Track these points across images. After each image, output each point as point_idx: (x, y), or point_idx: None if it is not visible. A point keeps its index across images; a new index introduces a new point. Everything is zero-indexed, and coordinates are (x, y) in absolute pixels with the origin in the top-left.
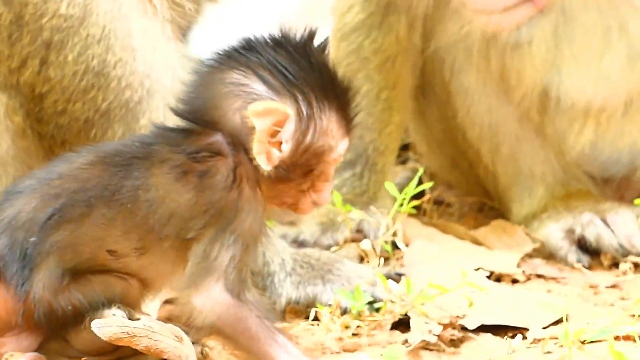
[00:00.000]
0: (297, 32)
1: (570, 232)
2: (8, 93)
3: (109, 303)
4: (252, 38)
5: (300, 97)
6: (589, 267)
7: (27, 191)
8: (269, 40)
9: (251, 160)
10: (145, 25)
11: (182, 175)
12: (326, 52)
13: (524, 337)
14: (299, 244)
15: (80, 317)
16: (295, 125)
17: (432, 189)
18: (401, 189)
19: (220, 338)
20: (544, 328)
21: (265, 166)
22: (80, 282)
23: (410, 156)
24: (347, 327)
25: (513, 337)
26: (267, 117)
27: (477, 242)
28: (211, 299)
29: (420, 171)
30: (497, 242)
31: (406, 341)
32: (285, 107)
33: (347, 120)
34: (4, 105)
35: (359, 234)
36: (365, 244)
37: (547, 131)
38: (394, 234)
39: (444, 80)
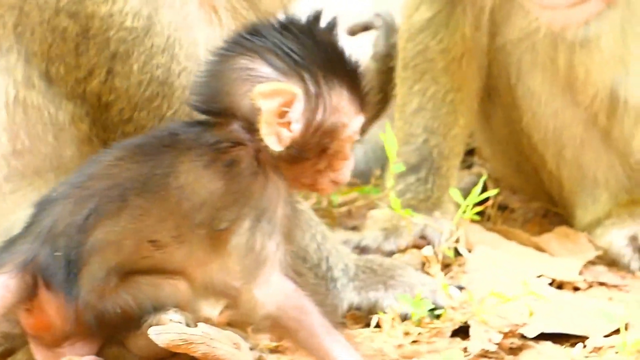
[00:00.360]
0: (304, 15)
1: (633, 238)
2: (74, 102)
3: (158, 306)
4: (258, 23)
5: (307, 76)
6: None
7: (61, 197)
8: (274, 24)
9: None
10: (210, 35)
11: (209, 163)
12: (333, 31)
13: (584, 346)
14: (362, 249)
15: (131, 320)
16: (304, 105)
17: (496, 194)
18: (466, 194)
19: (280, 331)
20: (605, 337)
21: (276, 147)
22: (127, 284)
23: (475, 161)
24: (407, 334)
25: (573, 345)
26: (274, 98)
27: (539, 249)
28: (272, 289)
29: (484, 177)
30: (560, 248)
31: (466, 349)
32: (292, 87)
33: (359, 97)
34: (69, 113)
35: (423, 240)
36: (427, 251)
37: (613, 134)
38: (457, 241)
39: (510, 82)
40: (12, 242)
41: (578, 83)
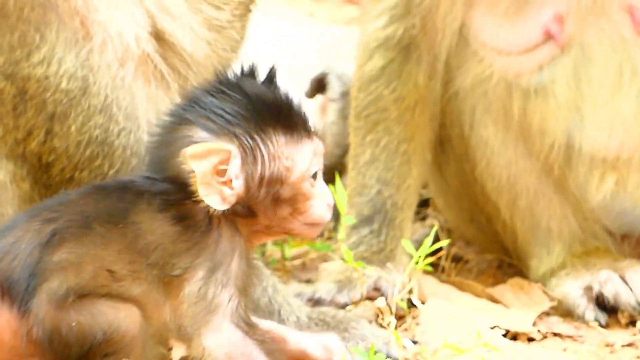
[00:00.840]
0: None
1: (588, 289)
2: (14, 162)
3: (111, 329)
4: (193, 90)
5: (239, 132)
6: (606, 325)
7: (24, 220)
8: (208, 88)
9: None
10: (150, 94)
11: (163, 209)
12: (267, 80)
13: None
14: (315, 302)
15: (84, 342)
16: (240, 160)
17: (449, 245)
18: (419, 245)
19: None
20: None
21: (220, 206)
22: (85, 303)
23: (429, 212)
24: None
25: None
26: (207, 158)
27: (494, 300)
28: (221, 337)
29: (435, 228)
30: (515, 300)
31: None
32: (224, 145)
33: (298, 134)
34: (10, 172)
35: (376, 292)
36: (380, 302)
37: (567, 183)
38: (410, 292)
39: (463, 132)
40: None
41: (532, 131)
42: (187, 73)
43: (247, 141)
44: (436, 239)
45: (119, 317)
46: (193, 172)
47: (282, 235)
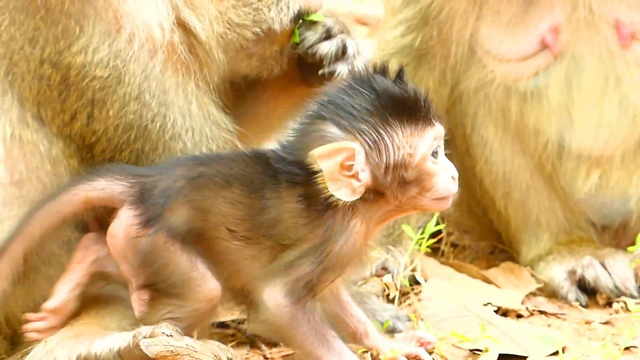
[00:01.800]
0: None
1: (572, 273)
2: (64, 141)
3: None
4: (329, 89)
5: (365, 128)
6: (586, 305)
7: (184, 159)
8: (342, 86)
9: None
10: (178, 81)
11: (290, 187)
12: (397, 77)
13: None
14: None
15: (163, 277)
16: (365, 154)
17: (449, 233)
18: (421, 232)
19: (279, 335)
20: (545, 358)
21: (350, 198)
22: (199, 246)
23: None
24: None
25: None
26: (333, 157)
27: (487, 281)
28: (272, 297)
29: (436, 215)
30: (506, 281)
31: None
32: (348, 143)
33: (419, 123)
34: (61, 149)
35: (384, 271)
36: (387, 278)
37: (557, 178)
38: (414, 271)
39: (465, 132)
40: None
41: (527, 131)
42: (207, 60)
43: (372, 135)
44: (436, 225)
45: (200, 285)
46: (321, 170)
47: (413, 211)
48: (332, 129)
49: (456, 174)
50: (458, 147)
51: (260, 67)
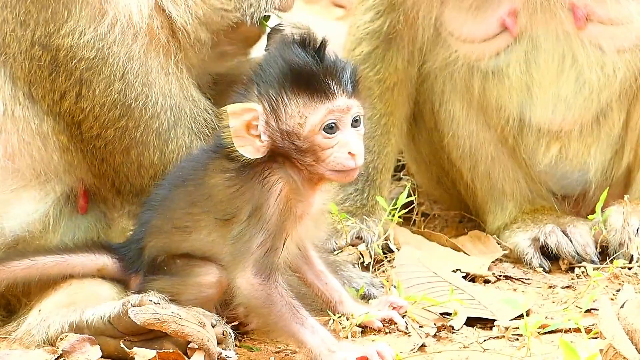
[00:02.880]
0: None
1: (535, 240)
2: (54, 118)
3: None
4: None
5: (271, 93)
6: (549, 271)
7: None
8: (270, 53)
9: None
10: (160, 63)
11: (213, 162)
12: (314, 49)
13: (492, 328)
14: None
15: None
16: (266, 117)
17: (419, 203)
18: (394, 203)
19: (257, 318)
20: (510, 320)
21: (251, 155)
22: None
23: (403, 176)
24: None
25: (483, 328)
26: (242, 116)
27: (456, 249)
28: (245, 279)
29: (407, 186)
30: (473, 248)
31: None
32: (255, 105)
33: (317, 98)
34: (51, 126)
35: (359, 240)
36: (362, 247)
37: (519, 151)
38: (387, 239)
39: (433, 108)
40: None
41: (490, 107)
42: (186, 44)
43: (273, 101)
44: (407, 197)
45: (199, 273)
46: (228, 127)
47: (321, 181)
48: (249, 91)
49: (357, 151)
50: (427, 122)
51: (232, 66)
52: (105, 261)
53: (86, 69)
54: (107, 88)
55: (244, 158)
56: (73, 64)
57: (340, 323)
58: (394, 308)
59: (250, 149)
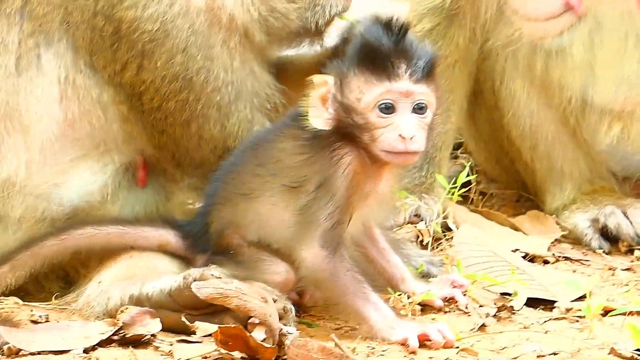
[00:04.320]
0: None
1: (595, 221)
2: (114, 88)
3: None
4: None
5: (339, 67)
6: (609, 252)
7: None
8: (358, 30)
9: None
10: (224, 37)
11: (286, 129)
12: (393, 31)
13: (553, 309)
14: None
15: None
16: (334, 90)
17: (477, 181)
18: (452, 180)
19: (320, 292)
20: (572, 301)
21: (320, 126)
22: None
23: (459, 154)
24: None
25: (543, 309)
26: (320, 87)
27: (515, 228)
28: (311, 253)
29: (468, 165)
30: (532, 229)
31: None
32: (327, 77)
33: (379, 77)
34: (111, 95)
35: (417, 218)
36: (420, 225)
37: (580, 130)
38: (445, 218)
39: (494, 87)
40: None
41: (552, 86)
42: (251, 18)
43: (342, 75)
44: (467, 176)
45: (266, 271)
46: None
47: (381, 162)
48: (332, 65)
49: (408, 134)
50: (487, 101)
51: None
52: (169, 238)
53: (148, 41)
54: (168, 61)
55: (315, 128)
56: (135, 36)
57: (401, 301)
58: (454, 287)
59: (320, 120)
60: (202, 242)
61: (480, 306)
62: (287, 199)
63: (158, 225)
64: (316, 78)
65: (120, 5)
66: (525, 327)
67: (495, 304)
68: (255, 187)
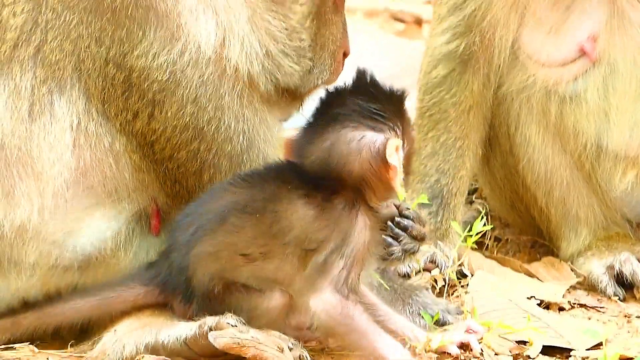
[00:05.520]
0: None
1: (610, 268)
2: (126, 137)
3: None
4: (333, 93)
5: (395, 126)
6: (624, 299)
7: (181, 220)
8: (351, 90)
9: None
10: (233, 86)
11: (309, 195)
12: (369, 82)
13: (569, 357)
14: (382, 271)
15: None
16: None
17: (492, 227)
18: (467, 226)
19: (335, 338)
20: (587, 350)
21: (404, 194)
22: (229, 292)
23: (474, 199)
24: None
25: (559, 356)
26: (398, 152)
27: (529, 274)
28: (323, 299)
29: (483, 212)
30: (547, 275)
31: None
32: (397, 140)
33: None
34: (123, 144)
35: (432, 264)
36: (435, 272)
37: (595, 176)
38: (461, 265)
39: (509, 132)
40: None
41: (567, 131)
42: (256, 67)
43: (398, 132)
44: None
45: (258, 304)
46: (391, 164)
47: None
48: (370, 133)
49: None
50: (502, 146)
51: None
52: (140, 292)
53: (159, 91)
54: (179, 110)
55: (331, 188)
56: (146, 85)
57: (416, 348)
58: (469, 333)
59: (402, 189)
60: (173, 284)
61: (495, 354)
62: (297, 261)
63: (128, 282)
64: (392, 144)
65: (131, 54)
66: None
67: (510, 352)
68: (258, 250)
